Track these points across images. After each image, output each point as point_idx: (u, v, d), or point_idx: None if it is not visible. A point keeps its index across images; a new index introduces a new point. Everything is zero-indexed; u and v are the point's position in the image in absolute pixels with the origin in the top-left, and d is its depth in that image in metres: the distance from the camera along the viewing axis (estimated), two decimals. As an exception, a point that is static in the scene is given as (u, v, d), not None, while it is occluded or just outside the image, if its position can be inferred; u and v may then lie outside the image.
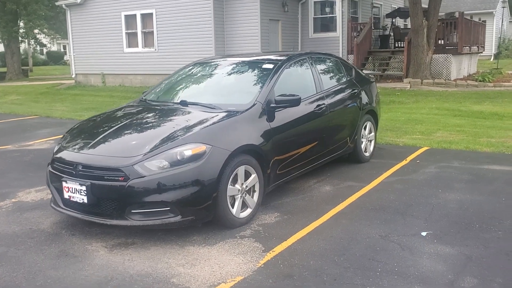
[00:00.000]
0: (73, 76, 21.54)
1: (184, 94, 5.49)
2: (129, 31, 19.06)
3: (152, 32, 18.43)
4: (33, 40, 32.18)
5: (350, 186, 5.71)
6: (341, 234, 4.29)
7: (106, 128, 4.72)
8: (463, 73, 18.56)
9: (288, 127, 5.09)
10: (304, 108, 5.37)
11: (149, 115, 5.04)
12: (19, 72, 31.49)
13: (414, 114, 11.46)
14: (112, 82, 19.96)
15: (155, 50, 18.41)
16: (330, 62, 6.60)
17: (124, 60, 19.23)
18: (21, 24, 30.34)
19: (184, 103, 5.12)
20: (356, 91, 6.53)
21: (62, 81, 23.83)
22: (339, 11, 18.29)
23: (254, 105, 4.83)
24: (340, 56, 18.10)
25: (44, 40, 34.97)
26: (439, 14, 17.59)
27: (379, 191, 5.48)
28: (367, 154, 6.87)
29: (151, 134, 4.41)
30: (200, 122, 4.50)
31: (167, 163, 4.03)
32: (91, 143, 4.43)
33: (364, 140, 6.79)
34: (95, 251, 4.06)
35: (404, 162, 6.81)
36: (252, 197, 4.64)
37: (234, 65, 5.83)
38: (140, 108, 5.30)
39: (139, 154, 4.06)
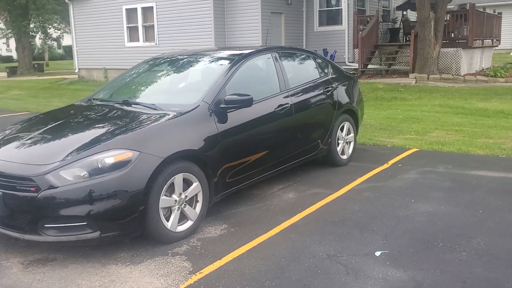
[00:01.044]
0: (76, 71, 21.35)
1: (130, 93, 5.07)
2: (130, 25, 18.75)
3: (153, 26, 18.08)
4: (43, 34, 32.14)
5: (316, 194, 5.22)
6: (285, 252, 3.81)
7: (33, 130, 4.33)
8: (475, 68, 17.76)
9: (241, 130, 4.63)
10: (261, 109, 4.90)
11: (84, 116, 4.63)
12: (30, 67, 31.56)
13: (414, 112, 10.86)
14: (114, 77, 19.69)
15: (156, 44, 18.06)
16: (300, 59, 6.09)
17: (125, 55, 18.92)
18: (31, 18, 30.34)
19: (127, 103, 4.70)
20: (330, 89, 6.01)
21: (66, 76, 23.69)
22: (345, 3, 17.63)
23: (199, 105, 4.38)
24: (346, 50, 17.53)
25: (55, 34, 34.94)
26: (451, 6, 16.85)
27: (345, 200, 4.98)
28: (344, 157, 6.36)
29: (74, 139, 3.99)
30: (133, 125, 4.06)
31: (86, 172, 3.61)
32: (10, 147, 4.04)
33: (341, 142, 6.27)
34: (9, 268, 3.68)
35: (384, 166, 6.28)
36: (194, 208, 4.20)
37: (191, 62, 5.38)
38: (80, 108, 4.90)
39: (54, 161, 3.65)
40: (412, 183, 5.50)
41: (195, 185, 4.16)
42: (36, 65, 32.19)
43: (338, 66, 6.60)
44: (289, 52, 5.86)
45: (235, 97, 4.46)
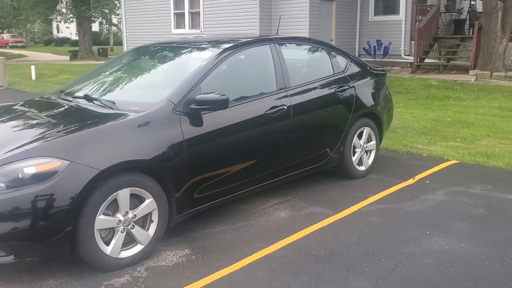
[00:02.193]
0: (126, 56, 21.28)
1: (98, 88, 4.41)
2: (177, 11, 18.33)
3: (199, 12, 17.54)
4: (104, 20, 32.70)
5: (312, 214, 4.37)
6: (239, 297, 3.04)
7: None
8: (550, 65, 15.82)
9: (218, 136, 3.87)
10: (247, 111, 4.11)
11: (33, 113, 4.02)
12: (90, 51, 32.25)
13: (466, 114, 9.59)
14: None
15: (201, 31, 17.54)
16: (309, 52, 5.21)
17: (171, 42, 18.53)
18: (90, 3, 30.90)
19: (88, 98, 4.07)
20: (345, 88, 5.09)
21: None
22: (404, -9, 16.24)
23: (161, 105, 3.65)
24: (402, 42, 16.19)
25: (115, 20, 35.53)
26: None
27: (344, 226, 4.11)
28: (362, 168, 5.43)
29: (3, 141, 3.38)
30: (72, 128, 3.40)
31: (2, 184, 2.99)
32: None
33: (358, 150, 5.35)
34: None
35: (409, 182, 5.29)
36: (147, 229, 3.51)
37: (176, 53, 4.64)
38: (35, 103, 4.32)
39: None
40: (434, 208, 4.51)
41: (148, 202, 3.45)
42: (100, 50, 32.84)
43: (362, 62, 5.64)
44: (294, 44, 5.00)
45: (207, 96, 3.70)
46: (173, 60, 4.52)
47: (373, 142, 5.53)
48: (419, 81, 13.31)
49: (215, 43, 4.57)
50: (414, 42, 15.43)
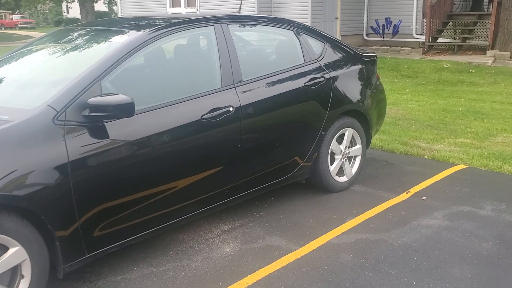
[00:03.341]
0: (121, 38, 20.25)
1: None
2: (172, -11, 17.18)
3: (194, -10, 16.38)
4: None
5: (267, 249, 3.33)
6: None
7: None
8: None
9: (126, 152, 2.83)
10: (174, 117, 3.06)
11: None
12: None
13: (481, 103, 8.39)
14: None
15: (197, 10, 16.39)
16: (269, 34, 4.12)
17: (167, 22, 17.42)
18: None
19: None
20: (320, 80, 4.00)
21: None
22: (416, -37, 14.85)
23: (37, 113, 2.62)
24: (414, 20, 14.85)
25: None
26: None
27: (304, 270, 3.06)
28: (343, 179, 4.36)
29: None
30: None
31: None
32: None
33: (338, 157, 4.27)
34: None
35: (402, 197, 4.22)
36: (16, 285, 2.51)
37: (87, 37, 3.56)
38: None
39: None
40: (428, 240, 3.43)
41: (13, 252, 2.45)
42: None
43: (346, 46, 4.51)
44: (250, 25, 3.88)
45: (103, 100, 2.65)
46: (81, 48, 3.45)
47: (358, 146, 4.44)
48: (430, 63, 12.05)
49: (137, 24, 3.49)
50: (426, 20, 14.09)
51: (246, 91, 3.47)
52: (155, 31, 3.16)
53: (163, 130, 2.98)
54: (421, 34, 14.86)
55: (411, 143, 5.94)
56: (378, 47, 15.10)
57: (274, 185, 3.86)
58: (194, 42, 3.55)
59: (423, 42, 14.24)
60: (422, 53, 13.77)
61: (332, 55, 4.24)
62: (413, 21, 15.01)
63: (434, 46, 14.22)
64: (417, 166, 5.09)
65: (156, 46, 3.15)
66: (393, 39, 15.18)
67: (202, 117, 3.17)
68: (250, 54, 3.80)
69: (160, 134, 2.96)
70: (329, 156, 4.17)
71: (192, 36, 3.50)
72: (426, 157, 5.42)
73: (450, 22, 14.55)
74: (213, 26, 3.48)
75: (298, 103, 3.83)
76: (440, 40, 14.24)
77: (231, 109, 3.32)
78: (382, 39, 15.50)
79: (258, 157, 3.60)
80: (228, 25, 3.56)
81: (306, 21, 13.97)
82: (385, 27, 15.27)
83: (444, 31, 14.41)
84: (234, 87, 3.42)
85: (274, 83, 3.68)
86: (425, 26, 14.39)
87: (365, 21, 16.01)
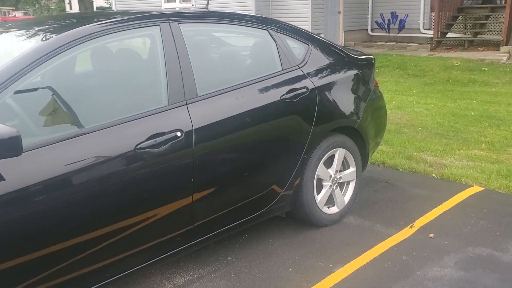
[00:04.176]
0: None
1: None
2: (167, -17, 16.40)
3: (190, -16, 15.59)
4: (106, -6, 30.94)
5: (225, 318, 2.57)
6: None
7: None
8: None
9: (29, 198, 2.08)
10: (98, 148, 2.31)
11: None
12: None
13: (495, 105, 7.56)
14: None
15: (192, 5, 15.61)
16: (236, 35, 3.34)
17: (162, 18, 16.65)
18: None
19: None
20: (301, 91, 3.21)
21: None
22: (424, -47, 13.95)
23: None
24: (421, 14, 13.97)
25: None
26: None
27: None
28: (333, 210, 3.58)
29: None
30: None
31: None
32: None
33: (327, 184, 3.49)
34: None
35: (404, 233, 3.44)
36: None
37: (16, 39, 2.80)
38: None
39: None
40: (438, 303, 2.65)
41: None
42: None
43: (336, 46, 3.71)
44: (210, 23, 3.07)
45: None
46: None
47: (352, 169, 3.65)
48: (438, 61, 11.19)
49: (58, 24, 2.73)
50: (434, 13, 13.20)
51: (201, 110, 2.69)
52: (70, 37, 2.38)
53: (78, 168, 2.22)
54: (429, 29, 13.98)
55: (417, 157, 5.14)
56: (384, 43, 14.23)
57: (245, 224, 3.09)
58: (130, 48, 2.78)
59: (431, 38, 13.37)
60: (430, 50, 12.90)
61: (319, 60, 3.45)
62: (421, 15, 14.12)
63: (443, 42, 13.34)
64: (423, 188, 4.30)
65: (70, 56, 2.38)
66: (399, 35, 14.31)
67: (137, 147, 2.40)
68: (209, 62, 3.03)
69: (73, 174, 2.20)
70: (315, 183, 3.39)
71: (128, 40, 2.73)
72: (434, 175, 4.62)
73: (460, 16, 13.64)
74: (158, 26, 2.70)
75: (272, 121, 3.05)
76: (449, 35, 13.35)
77: (179, 134, 2.55)
78: (387, 34, 14.64)
79: (220, 191, 2.83)
80: (180, 25, 2.78)
81: (306, 15, 13.17)
82: (391, 22, 14.40)
83: (454, 25, 13.51)
84: (186, 104, 2.65)
85: (239, 98, 2.90)
86: (433, 21, 13.49)
87: (369, 16, 15.14)
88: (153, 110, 2.53)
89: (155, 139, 2.46)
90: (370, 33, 15.25)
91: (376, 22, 14.81)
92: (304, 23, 13.09)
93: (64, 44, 2.33)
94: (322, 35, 13.74)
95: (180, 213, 2.64)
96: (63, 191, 2.17)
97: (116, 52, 2.69)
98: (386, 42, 14.34)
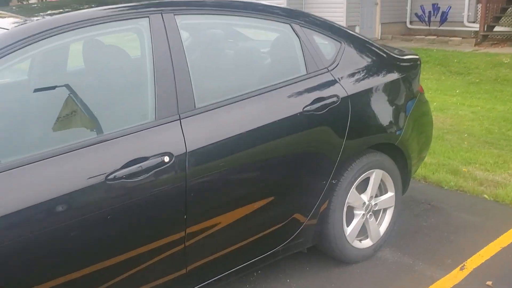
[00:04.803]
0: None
1: None
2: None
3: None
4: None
5: None
6: None
7: None
8: None
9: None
10: (54, 181, 1.76)
11: None
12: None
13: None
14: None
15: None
16: (253, 29, 2.71)
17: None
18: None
19: None
20: (330, 101, 2.58)
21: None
22: None
23: None
24: (466, 5, 12.99)
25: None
26: None
27: None
28: (365, 243, 2.96)
29: None
30: None
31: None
32: None
33: (359, 213, 2.86)
34: None
35: (452, 278, 2.80)
36: None
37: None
38: None
39: None
40: None
41: None
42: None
43: (375, 45, 3.04)
44: (215, 15, 2.44)
45: None
46: None
47: (390, 194, 3.01)
48: (484, 57, 10.27)
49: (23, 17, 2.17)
50: (481, 5, 12.21)
51: (199, 127, 2.10)
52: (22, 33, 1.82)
53: (30, 205, 1.67)
54: (474, 22, 12.98)
55: (464, 171, 4.44)
56: (423, 36, 13.32)
57: (254, 266, 2.50)
58: (109, 46, 2.20)
59: (476, 32, 12.38)
60: (475, 45, 11.94)
61: (353, 61, 2.80)
62: (465, 7, 13.11)
63: (489, 36, 12.34)
64: (474, 213, 3.61)
65: (25, 56, 1.83)
66: (441, 28, 13.36)
67: (109, 177, 1.83)
68: (211, 65, 2.43)
69: (23, 212, 1.65)
70: (344, 212, 2.77)
71: (107, 36, 2.15)
72: (486, 196, 3.92)
73: (510, 8, 12.59)
74: (147, 18, 2.12)
75: (292, 138, 2.45)
76: (497, 29, 12.34)
77: (166, 159, 1.97)
78: (427, 27, 13.70)
79: (222, 228, 2.25)
80: (176, 17, 2.18)
81: (341, 6, 12.40)
82: (432, 14, 13.45)
83: (503, 18, 12.47)
84: (179, 119, 2.06)
85: (250, 110, 2.29)
86: (479, 13, 12.49)
87: (408, 7, 14.20)
88: (133, 128, 1.95)
89: (136, 165, 1.89)
90: (408, 26, 14.33)
91: (416, 14, 13.89)
92: (339, 14, 12.35)
93: (15, 42, 1.77)
94: (357, 29, 12.96)
95: (168, 257, 2.07)
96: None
97: (88, 52, 2.12)
98: (426, 35, 13.42)
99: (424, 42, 12.81)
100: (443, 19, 13.22)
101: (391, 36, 13.56)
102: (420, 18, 13.77)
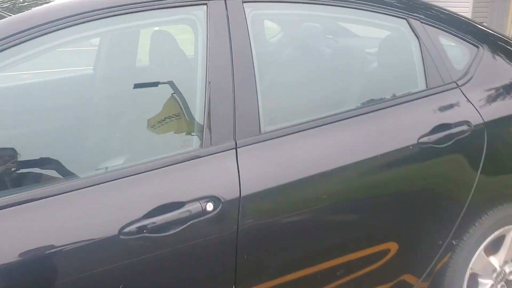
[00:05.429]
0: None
1: None
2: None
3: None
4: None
5: None
6: None
7: None
8: None
9: None
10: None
11: None
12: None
13: None
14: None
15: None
16: (353, 23, 2.02)
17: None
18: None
19: None
20: (460, 130, 1.82)
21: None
22: None
23: None
24: None
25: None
26: None
27: None
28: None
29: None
30: None
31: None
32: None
33: (487, 282, 2.08)
34: None
35: None
36: None
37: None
38: None
39: None
40: None
41: None
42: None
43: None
44: (298, 3, 1.73)
45: None
46: None
47: (536, 259, 2.17)
48: None
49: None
50: None
51: (262, 159, 1.49)
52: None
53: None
54: None
55: None
56: None
57: None
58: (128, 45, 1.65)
59: None
60: None
61: (495, 73, 2.01)
62: None
63: None
64: None
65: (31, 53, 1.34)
66: None
67: (123, 231, 1.30)
68: (288, 73, 1.78)
69: None
70: (465, 281, 2.00)
71: (147, 30, 1.60)
72: None
73: None
74: (205, 6, 1.52)
75: (399, 181, 1.74)
76: None
77: (210, 206, 1.37)
78: None
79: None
80: (244, 4, 1.57)
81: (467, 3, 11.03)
82: None
83: None
84: (235, 147, 1.45)
85: (340, 139, 1.63)
86: None
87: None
88: (163, 161, 1.38)
89: (162, 216, 1.32)
90: (548, 24, 12.46)
91: (559, 11, 12.01)
92: (464, 9, 10.98)
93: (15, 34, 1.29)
94: (485, 24, 11.44)
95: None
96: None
97: (118, 51, 1.59)
98: None
99: None
100: None
101: (526, 36, 11.88)
102: None
